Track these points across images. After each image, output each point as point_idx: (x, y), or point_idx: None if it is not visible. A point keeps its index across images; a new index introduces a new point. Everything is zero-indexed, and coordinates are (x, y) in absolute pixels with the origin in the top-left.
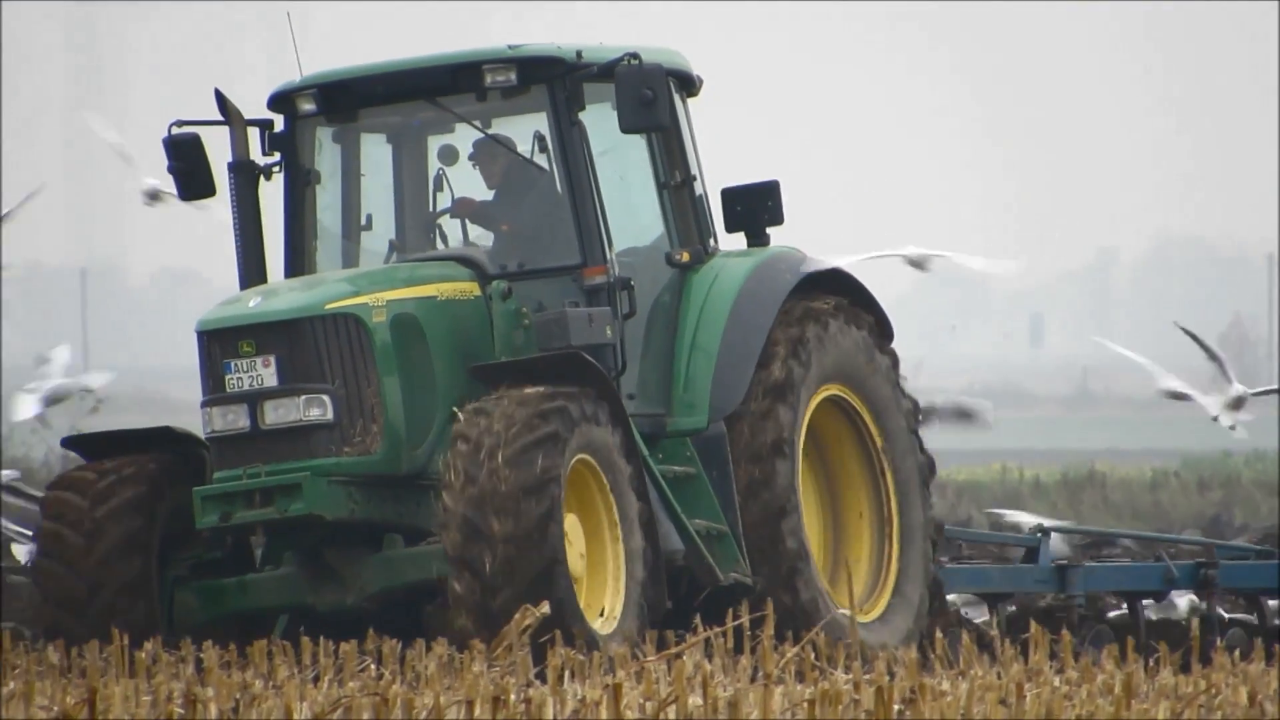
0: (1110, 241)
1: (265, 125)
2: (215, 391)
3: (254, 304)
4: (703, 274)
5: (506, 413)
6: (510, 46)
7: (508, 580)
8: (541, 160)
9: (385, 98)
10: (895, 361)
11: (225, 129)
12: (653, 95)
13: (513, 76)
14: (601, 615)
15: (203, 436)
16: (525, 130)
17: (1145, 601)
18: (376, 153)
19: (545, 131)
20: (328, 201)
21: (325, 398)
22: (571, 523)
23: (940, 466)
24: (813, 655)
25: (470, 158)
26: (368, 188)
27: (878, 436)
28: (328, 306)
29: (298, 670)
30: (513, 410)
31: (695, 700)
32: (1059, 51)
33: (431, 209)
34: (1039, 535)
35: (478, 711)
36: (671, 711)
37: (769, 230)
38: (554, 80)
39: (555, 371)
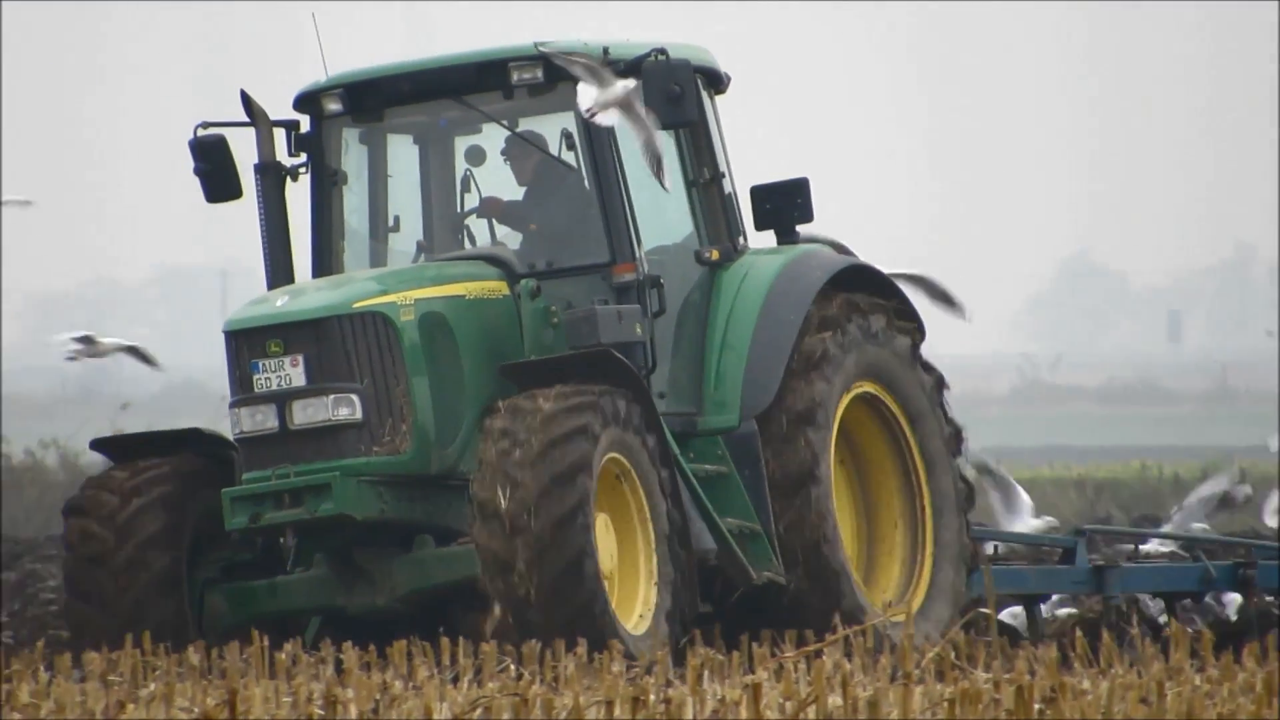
0: (1249, 236)
1: (291, 126)
2: (243, 392)
3: (281, 303)
4: (733, 272)
5: (539, 407)
6: (536, 44)
7: (537, 569)
8: (569, 158)
9: (411, 97)
10: (940, 381)
11: (251, 130)
12: (680, 91)
13: (539, 74)
14: (634, 615)
15: (231, 438)
16: (553, 128)
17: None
18: (403, 153)
19: (573, 129)
20: (354, 202)
21: (354, 397)
22: (603, 522)
23: (1078, 463)
24: (953, 654)
25: (502, 153)
26: (395, 188)
27: (916, 452)
28: (355, 305)
29: (437, 670)
30: (545, 405)
31: (835, 700)
32: (1169, 37)
33: (459, 209)
34: (1075, 537)
35: (617, 712)
36: (811, 711)
37: (799, 228)
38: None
39: (586, 370)
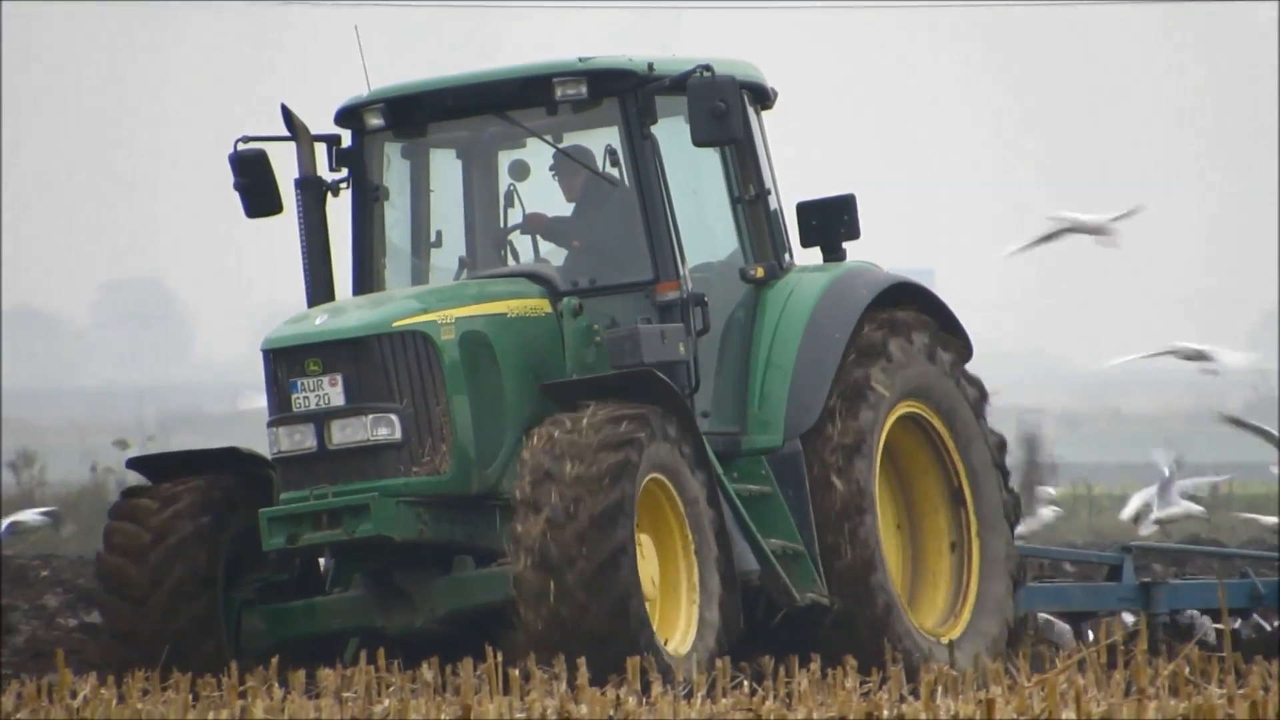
0: None
1: (332, 141)
2: (281, 411)
3: (320, 322)
4: (778, 289)
5: (577, 438)
6: (581, 59)
7: (580, 613)
8: (615, 174)
9: (454, 112)
10: (983, 393)
11: (292, 145)
12: (726, 108)
13: (583, 90)
14: (676, 635)
15: (269, 457)
16: (597, 144)
17: None
18: (446, 168)
19: (617, 145)
20: (396, 218)
21: (393, 417)
22: (644, 543)
23: None
24: (1186, 670)
25: (550, 169)
26: (437, 204)
27: (961, 466)
28: (395, 324)
29: (670, 687)
30: (583, 435)
31: (1069, 715)
32: None
33: (502, 225)
34: (1122, 554)
35: None
36: None
37: (845, 245)
38: (625, 93)
39: (627, 389)
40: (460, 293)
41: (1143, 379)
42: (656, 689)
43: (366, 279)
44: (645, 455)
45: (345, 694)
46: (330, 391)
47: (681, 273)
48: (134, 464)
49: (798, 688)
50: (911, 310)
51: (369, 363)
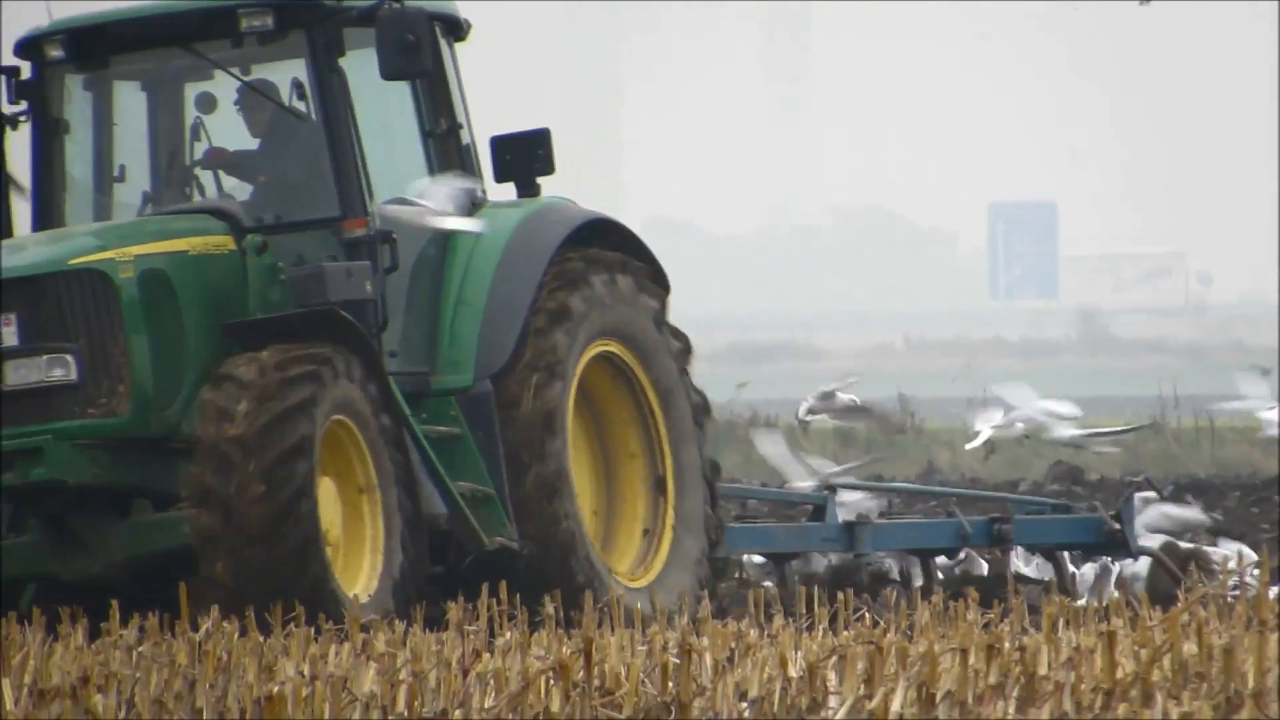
0: None
1: (11, 73)
2: None
3: None
4: None
5: (255, 378)
6: None
7: (258, 559)
8: (301, 108)
9: (138, 44)
10: (663, 303)
11: None
12: (415, 41)
13: (269, 21)
14: (361, 579)
15: None
16: (284, 77)
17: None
18: (131, 101)
19: (304, 79)
20: (78, 152)
21: (69, 358)
22: (327, 486)
23: None
24: None
25: (235, 103)
26: (121, 137)
27: (646, 381)
28: (72, 262)
29: (791, 620)
30: (262, 375)
31: (1190, 648)
32: None
33: (189, 160)
34: (825, 493)
35: (972, 660)
36: (1166, 659)
37: (540, 180)
38: (313, 25)
39: (310, 329)
40: (140, 230)
41: (1270, 311)
42: (778, 620)
43: (47, 215)
44: (327, 395)
45: (468, 627)
46: (4, 331)
47: (369, 209)
48: None
49: (920, 620)
50: (613, 249)
51: (44, 302)
